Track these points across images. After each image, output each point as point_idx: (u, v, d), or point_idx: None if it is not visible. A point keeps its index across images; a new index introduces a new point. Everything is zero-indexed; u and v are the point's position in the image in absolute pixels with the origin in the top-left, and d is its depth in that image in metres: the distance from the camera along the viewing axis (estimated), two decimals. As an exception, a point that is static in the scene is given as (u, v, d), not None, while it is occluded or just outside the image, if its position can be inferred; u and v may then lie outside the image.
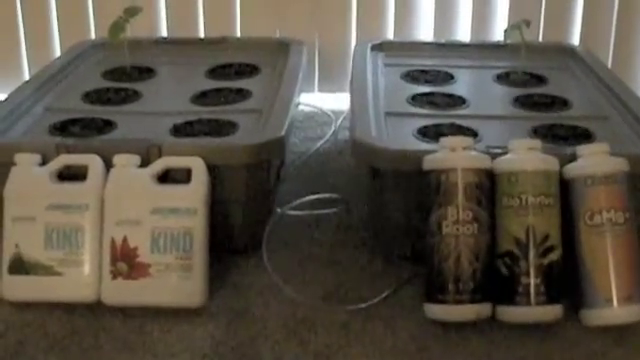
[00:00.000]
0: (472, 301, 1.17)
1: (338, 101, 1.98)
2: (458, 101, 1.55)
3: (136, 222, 1.23)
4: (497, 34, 2.00)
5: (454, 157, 1.21)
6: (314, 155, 1.75)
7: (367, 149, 1.31)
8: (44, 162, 1.28)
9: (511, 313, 1.18)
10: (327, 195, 1.53)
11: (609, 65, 1.98)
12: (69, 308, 1.23)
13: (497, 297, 1.19)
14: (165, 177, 1.28)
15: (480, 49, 1.86)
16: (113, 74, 1.69)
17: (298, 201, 1.50)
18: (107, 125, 1.42)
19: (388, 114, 1.47)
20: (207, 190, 1.26)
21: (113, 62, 1.73)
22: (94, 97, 1.56)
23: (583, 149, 1.24)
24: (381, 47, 1.83)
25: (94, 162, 1.27)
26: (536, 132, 1.40)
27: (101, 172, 1.27)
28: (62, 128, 1.41)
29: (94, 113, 1.48)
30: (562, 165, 1.22)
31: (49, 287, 1.23)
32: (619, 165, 1.21)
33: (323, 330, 1.20)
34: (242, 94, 1.56)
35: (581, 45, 1.94)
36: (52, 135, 1.39)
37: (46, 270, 1.23)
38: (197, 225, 1.23)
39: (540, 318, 1.18)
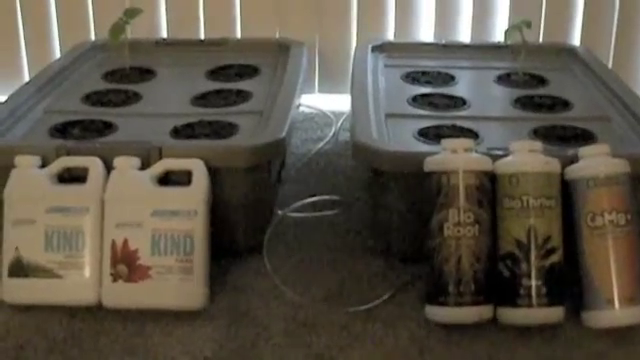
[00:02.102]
0: (473, 303, 1.17)
1: (339, 102, 1.97)
2: (459, 102, 1.55)
3: (136, 224, 1.23)
4: (498, 35, 2.00)
5: (455, 159, 1.21)
6: (315, 157, 1.75)
7: (368, 151, 1.31)
8: (44, 164, 1.28)
9: (513, 315, 1.18)
10: (328, 197, 1.53)
11: (610, 66, 1.97)
12: (69, 311, 1.23)
13: (499, 299, 1.18)
14: (165, 179, 1.28)
15: (481, 50, 1.86)
16: (113, 76, 1.68)
17: (299, 203, 1.50)
18: (107, 127, 1.42)
19: (389, 115, 1.46)
20: (207, 192, 1.26)
21: (113, 63, 1.73)
22: (94, 99, 1.56)
23: (584, 150, 1.23)
24: (382, 48, 1.82)
25: (94, 164, 1.27)
26: (537, 133, 1.40)
27: (101, 174, 1.26)
28: (62, 130, 1.41)
29: (94, 115, 1.48)
30: (563, 167, 1.21)
31: (49, 290, 1.23)
32: (621, 166, 1.20)
33: (324, 332, 1.20)
34: (242, 95, 1.56)
35: (582, 46, 1.93)
36: (52, 137, 1.39)
37: (46, 273, 1.23)
38: (197, 227, 1.23)
39: (542, 320, 1.18)
